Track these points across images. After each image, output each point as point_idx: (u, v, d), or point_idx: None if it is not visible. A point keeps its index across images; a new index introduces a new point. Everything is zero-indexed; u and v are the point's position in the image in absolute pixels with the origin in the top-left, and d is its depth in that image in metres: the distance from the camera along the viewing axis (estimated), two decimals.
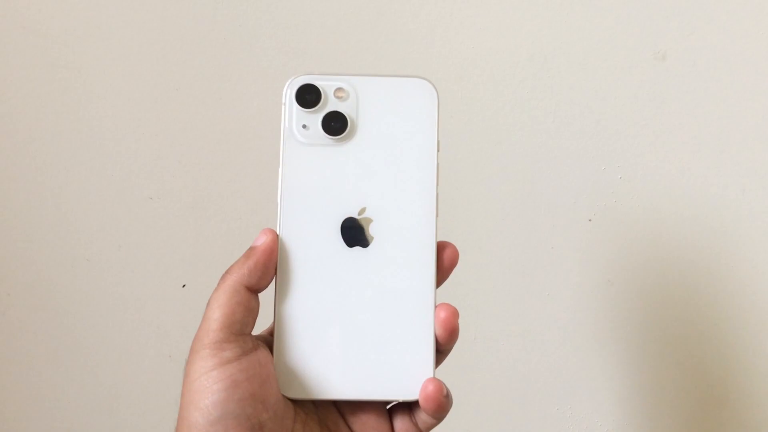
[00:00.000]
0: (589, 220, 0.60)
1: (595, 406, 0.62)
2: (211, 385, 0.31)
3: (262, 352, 0.33)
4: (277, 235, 0.35)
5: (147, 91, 0.67)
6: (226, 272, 0.34)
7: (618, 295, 0.60)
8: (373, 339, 0.35)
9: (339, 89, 0.36)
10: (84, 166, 0.69)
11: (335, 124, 0.36)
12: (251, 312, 0.34)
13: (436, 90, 0.37)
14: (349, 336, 0.35)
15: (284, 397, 0.34)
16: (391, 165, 0.36)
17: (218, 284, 0.34)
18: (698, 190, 0.58)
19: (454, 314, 0.35)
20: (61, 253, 0.71)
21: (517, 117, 0.60)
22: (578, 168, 0.59)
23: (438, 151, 0.36)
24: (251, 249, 0.34)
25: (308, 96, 0.36)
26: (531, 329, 0.62)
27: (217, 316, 0.33)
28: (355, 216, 0.35)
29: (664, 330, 0.60)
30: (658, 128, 0.57)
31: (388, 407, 0.37)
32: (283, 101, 0.36)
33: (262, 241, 0.34)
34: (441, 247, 0.36)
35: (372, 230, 0.36)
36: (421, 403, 0.34)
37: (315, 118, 0.36)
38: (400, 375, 0.34)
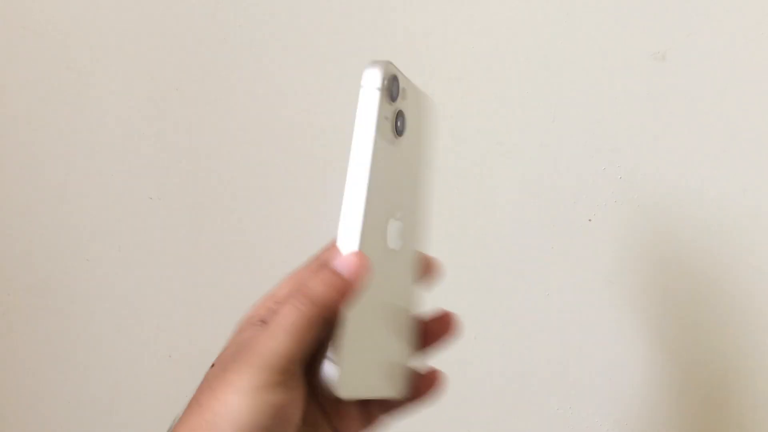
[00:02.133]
0: (589, 220, 0.60)
1: (595, 406, 0.62)
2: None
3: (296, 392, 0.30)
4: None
5: (147, 91, 0.67)
6: (310, 292, 0.29)
7: (618, 295, 0.60)
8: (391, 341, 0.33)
9: (404, 90, 0.32)
10: (84, 165, 0.69)
11: (400, 125, 0.32)
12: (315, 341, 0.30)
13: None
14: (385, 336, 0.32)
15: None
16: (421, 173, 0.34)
17: (299, 304, 0.29)
18: (698, 190, 0.58)
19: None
20: (61, 253, 0.71)
21: (517, 117, 0.60)
22: (578, 168, 0.59)
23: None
24: (341, 279, 0.29)
25: (394, 89, 0.31)
26: (531, 329, 0.62)
27: (284, 341, 0.29)
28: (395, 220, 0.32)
29: (664, 330, 0.60)
30: (658, 128, 0.57)
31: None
32: (379, 86, 0.30)
33: (355, 269, 0.29)
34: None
35: (398, 234, 0.32)
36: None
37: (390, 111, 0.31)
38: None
